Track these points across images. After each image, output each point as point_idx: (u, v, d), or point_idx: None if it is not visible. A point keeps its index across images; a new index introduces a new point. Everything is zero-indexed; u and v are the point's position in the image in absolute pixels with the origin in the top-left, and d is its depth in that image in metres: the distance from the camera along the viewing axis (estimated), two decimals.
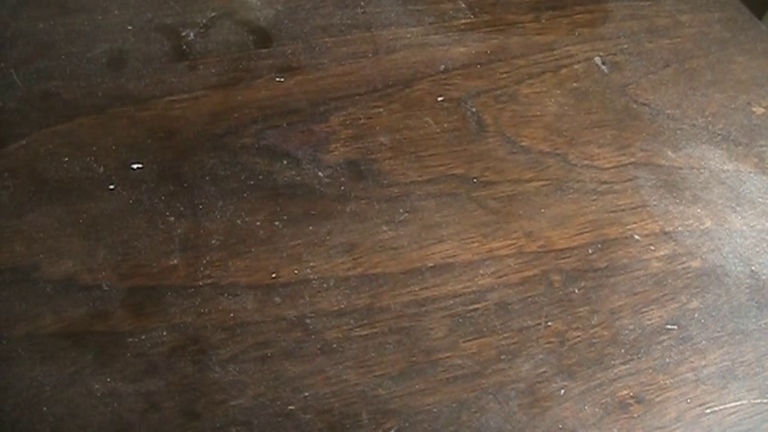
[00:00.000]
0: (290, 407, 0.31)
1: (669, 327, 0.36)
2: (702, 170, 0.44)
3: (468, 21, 0.51)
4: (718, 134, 0.46)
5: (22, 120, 0.40)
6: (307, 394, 0.32)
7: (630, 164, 0.43)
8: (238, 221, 0.37)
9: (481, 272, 0.37)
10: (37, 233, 0.35)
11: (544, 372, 0.34)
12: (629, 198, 0.41)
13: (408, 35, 0.49)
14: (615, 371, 0.34)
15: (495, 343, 0.34)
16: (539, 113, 0.45)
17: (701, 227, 0.41)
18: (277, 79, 0.44)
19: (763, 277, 0.39)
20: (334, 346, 0.33)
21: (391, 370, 0.33)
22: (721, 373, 0.35)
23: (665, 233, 0.40)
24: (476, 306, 0.36)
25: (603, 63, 0.49)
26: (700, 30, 0.54)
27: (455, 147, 0.42)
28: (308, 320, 0.34)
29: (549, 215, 0.40)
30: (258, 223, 0.37)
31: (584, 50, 0.50)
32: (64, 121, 0.40)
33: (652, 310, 0.37)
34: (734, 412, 0.34)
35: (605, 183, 0.42)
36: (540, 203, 0.40)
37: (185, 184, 0.38)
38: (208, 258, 0.35)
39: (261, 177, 0.39)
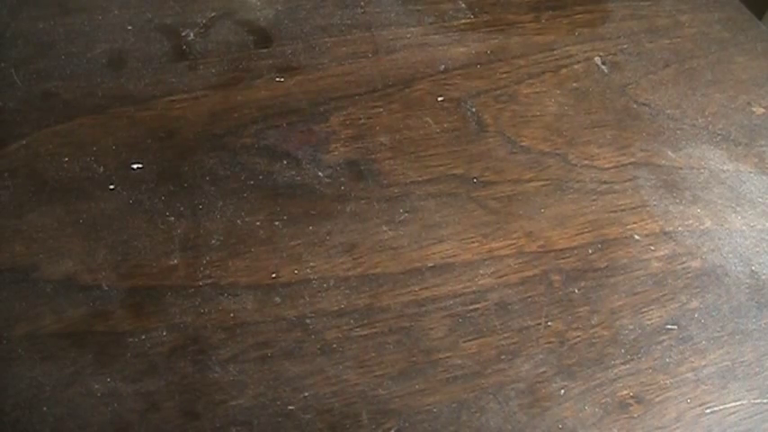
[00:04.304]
0: (290, 407, 0.31)
1: (669, 327, 0.36)
2: (702, 170, 0.44)
3: (468, 21, 0.51)
4: (718, 134, 0.46)
5: (22, 120, 0.40)
6: (307, 394, 0.32)
7: (630, 164, 0.43)
8: (238, 221, 0.37)
9: (481, 272, 0.37)
10: (37, 233, 0.35)
11: (544, 372, 0.34)
12: (629, 198, 0.41)
13: (408, 35, 0.49)
14: (615, 371, 0.34)
15: (495, 343, 0.34)
16: (539, 113, 0.45)
17: (701, 227, 0.41)
18: (277, 79, 0.44)
19: (763, 277, 0.39)
20: (334, 346, 0.33)
21: (391, 370, 0.33)
22: (721, 373, 0.35)
23: (665, 233, 0.40)
24: (476, 306, 0.36)
25: (603, 63, 0.49)
26: (700, 30, 0.54)
27: (455, 147, 0.42)
28: (308, 320, 0.34)
29: (549, 215, 0.40)
30: (258, 223, 0.37)
31: (584, 50, 0.50)
32: (64, 121, 0.40)
33: (652, 310, 0.37)
34: (734, 412, 0.34)
35: (605, 183, 0.42)
36: (540, 203, 0.40)
37: (185, 184, 0.38)
38: (208, 258, 0.35)
39: (261, 177, 0.39)
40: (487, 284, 0.36)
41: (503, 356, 0.34)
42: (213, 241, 0.36)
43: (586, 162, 0.43)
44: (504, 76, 0.47)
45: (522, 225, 0.39)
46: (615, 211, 0.41)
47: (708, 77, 0.50)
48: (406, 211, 0.39)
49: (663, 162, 0.44)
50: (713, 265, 0.39)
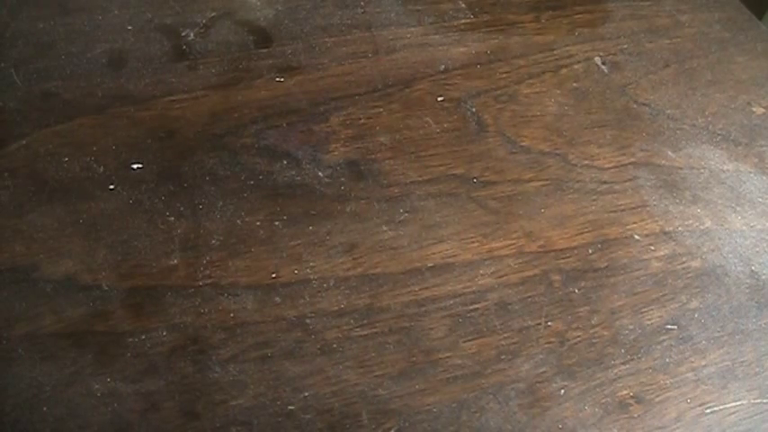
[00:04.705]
0: (290, 407, 0.31)
1: (669, 327, 0.36)
2: (702, 170, 0.44)
3: (468, 21, 0.51)
4: (718, 134, 0.46)
5: (22, 120, 0.40)
6: (307, 394, 0.32)
7: (630, 164, 0.43)
8: (238, 221, 0.37)
9: (481, 272, 0.37)
10: (37, 233, 0.35)
11: (544, 372, 0.34)
12: (629, 198, 0.41)
13: (408, 35, 0.49)
14: (615, 371, 0.34)
15: (495, 343, 0.34)
16: (539, 113, 0.45)
17: (701, 227, 0.41)
18: (277, 79, 0.44)
19: (763, 277, 0.39)
20: (335, 346, 0.33)
21: (391, 370, 0.33)
22: (721, 373, 0.35)
23: (665, 233, 0.40)
24: (476, 306, 0.36)
25: (603, 63, 0.49)
26: (700, 30, 0.54)
27: (455, 147, 0.42)
28: (308, 320, 0.34)
29: (549, 215, 0.40)
30: (258, 223, 0.37)
31: (584, 50, 0.50)
32: (64, 121, 0.40)
33: (652, 310, 0.37)
34: (734, 412, 0.34)
35: (605, 183, 0.42)
36: (540, 203, 0.40)
37: (185, 184, 0.38)
38: (208, 258, 0.35)
39: (261, 177, 0.39)
40: (487, 284, 0.36)
41: (503, 356, 0.34)
42: (213, 241, 0.36)
43: (586, 162, 0.43)
44: (504, 76, 0.47)
45: (522, 225, 0.39)
46: (615, 211, 0.41)
47: (708, 77, 0.50)
48: (406, 211, 0.39)
49: (663, 162, 0.44)
50: (713, 265, 0.39)
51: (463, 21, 0.51)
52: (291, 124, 0.42)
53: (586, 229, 0.40)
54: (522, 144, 0.43)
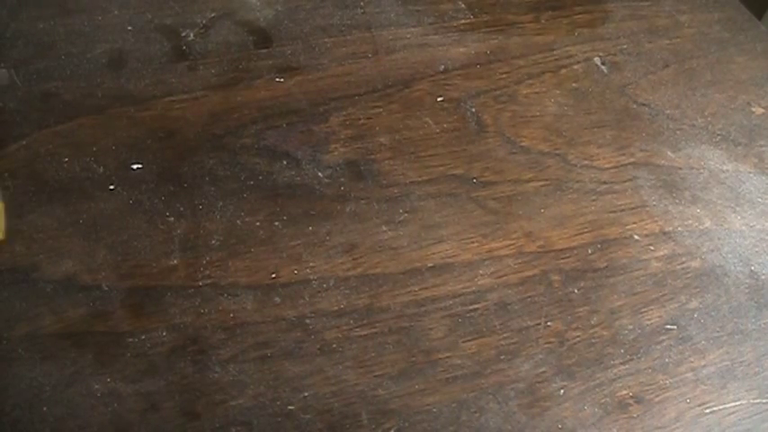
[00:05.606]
0: (290, 407, 0.31)
1: (669, 327, 0.36)
2: (702, 170, 0.44)
3: (468, 21, 0.51)
4: (718, 134, 0.46)
5: (22, 120, 0.40)
6: (306, 394, 0.32)
7: (630, 164, 0.43)
8: (238, 221, 0.37)
9: (481, 272, 0.37)
10: (37, 233, 0.35)
11: (544, 372, 0.34)
12: (629, 198, 0.42)
13: (408, 35, 0.49)
14: (615, 371, 0.34)
15: (494, 343, 0.34)
16: (538, 113, 0.45)
17: (701, 227, 0.41)
18: (277, 79, 0.44)
19: (763, 277, 0.39)
20: (334, 346, 0.33)
21: (391, 370, 0.33)
22: (721, 373, 0.35)
23: (665, 233, 0.40)
24: (476, 306, 0.36)
25: (603, 63, 0.49)
26: (699, 30, 0.54)
27: (455, 147, 0.42)
28: (307, 320, 0.34)
29: (549, 215, 0.40)
30: (258, 223, 0.37)
31: (584, 50, 0.50)
32: (64, 122, 0.40)
33: (652, 310, 0.37)
34: (733, 412, 0.34)
35: (605, 183, 0.42)
36: (539, 203, 0.40)
37: (185, 184, 0.38)
38: (208, 258, 0.35)
39: (261, 177, 0.39)
40: (487, 284, 0.36)
41: (502, 356, 0.34)
42: (213, 241, 0.36)
43: (586, 162, 0.43)
44: (504, 76, 0.47)
45: (522, 225, 0.39)
46: (615, 211, 0.41)
47: (707, 77, 0.50)
48: (406, 212, 0.39)
49: (662, 162, 0.44)
50: (713, 265, 0.39)
51: (463, 21, 0.51)
52: (291, 124, 0.42)
53: (586, 230, 0.40)
54: (522, 144, 0.43)
